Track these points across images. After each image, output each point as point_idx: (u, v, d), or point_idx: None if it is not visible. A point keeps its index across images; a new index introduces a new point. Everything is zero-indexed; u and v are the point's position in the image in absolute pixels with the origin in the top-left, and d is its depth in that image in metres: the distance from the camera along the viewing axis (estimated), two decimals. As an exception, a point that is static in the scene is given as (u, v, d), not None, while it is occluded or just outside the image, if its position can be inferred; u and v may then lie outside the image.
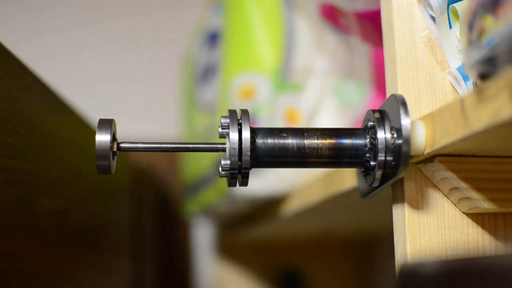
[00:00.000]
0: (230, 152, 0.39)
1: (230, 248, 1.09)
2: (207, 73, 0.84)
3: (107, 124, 0.39)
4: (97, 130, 0.39)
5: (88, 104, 0.89)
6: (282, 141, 0.40)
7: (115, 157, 0.40)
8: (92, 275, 0.68)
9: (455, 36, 0.40)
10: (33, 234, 0.52)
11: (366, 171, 0.41)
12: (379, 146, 0.39)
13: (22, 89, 0.51)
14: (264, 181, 0.71)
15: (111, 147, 0.39)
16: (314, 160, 0.40)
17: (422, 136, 0.37)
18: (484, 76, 0.32)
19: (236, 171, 0.39)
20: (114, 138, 0.39)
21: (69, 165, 0.61)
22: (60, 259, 0.58)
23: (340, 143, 0.40)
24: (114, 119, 0.40)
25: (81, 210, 0.64)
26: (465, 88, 0.40)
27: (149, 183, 1.02)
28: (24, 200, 0.50)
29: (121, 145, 0.40)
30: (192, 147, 0.42)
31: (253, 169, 0.41)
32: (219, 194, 0.78)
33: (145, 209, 0.95)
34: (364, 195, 0.43)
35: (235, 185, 0.40)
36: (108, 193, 0.77)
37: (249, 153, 0.39)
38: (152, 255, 0.97)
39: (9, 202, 0.47)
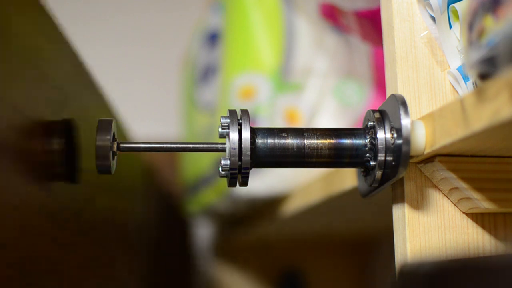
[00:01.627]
0: (230, 152, 0.39)
1: (230, 248, 1.09)
2: (207, 73, 0.84)
3: (107, 124, 0.39)
4: (97, 130, 0.39)
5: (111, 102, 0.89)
6: (282, 141, 0.40)
7: (115, 157, 0.40)
8: (123, 273, 0.68)
9: (455, 36, 0.40)
10: (93, 233, 0.52)
11: (366, 171, 0.41)
12: (379, 146, 0.39)
13: (84, 87, 0.51)
14: (264, 181, 0.71)
15: (111, 147, 0.39)
16: (314, 160, 0.40)
17: (422, 136, 0.37)
18: (484, 76, 0.32)
19: (236, 171, 0.39)
20: (114, 138, 0.39)
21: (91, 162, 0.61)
22: (108, 258, 0.58)
23: (340, 143, 0.40)
24: (114, 119, 0.40)
25: (121, 210, 0.65)
26: (465, 88, 0.40)
27: (153, 182, 1.02)
28: (89, 199, 0.50)
29: (121, 145, 0.40)
30: (192, 147, 0.42)
31: (253, 169, 0.41)
32: (219, 194, 0.78)
33: (149, 209, 0.95)
34: (364, 195, 0.43)
35: (235, 185, 0.41)
36: (132, 193, 0.78)
37: (249, 153, 0.39)
38: (153, 254, 0.97)
39: (81, 201, 0.47)
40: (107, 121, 0.39)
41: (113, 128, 0.39)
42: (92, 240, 0.54)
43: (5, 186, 0.31)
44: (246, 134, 0.39)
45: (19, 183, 0.34)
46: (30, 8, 0.38)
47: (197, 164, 0.86)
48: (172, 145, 0.41)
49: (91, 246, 0.52)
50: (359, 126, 0.42)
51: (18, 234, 0.33)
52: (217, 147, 0.41)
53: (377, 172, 0.39)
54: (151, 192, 0.96)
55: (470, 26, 0.32)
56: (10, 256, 0.31)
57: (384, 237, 1.03)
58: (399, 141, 0.37)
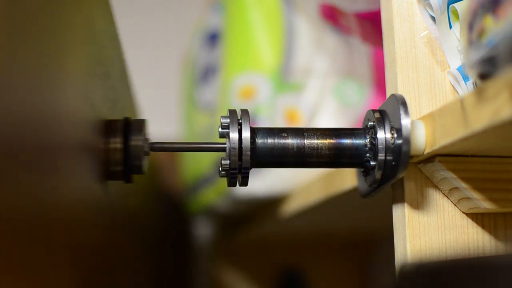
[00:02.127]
0: (230, 152, 0.39)
1: (230, 248, 1.09)
2: (207, 73, 0.84)
3: (140, 124, 0.39)
4: (130, 130, 0.39)
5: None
6: (282, 141, 0.40)
7: (147, 157, 0.40)
8: (136, 274, 0.68)
9: (455, 36, 0.40)
10: (128, 233, 0.52)
11: (366, 171, 0.41)
12: (379, 146, 0.39)
13: (126, 87, 0.51)
14: (264, 181, 0.71)
15: (143, 147, 0.39)
16: (314, 160, 0.40)
17: (422, 136, 0.37)
18: (484, 76, 0.32)
19: (236, 171, 0.39)
20: (146, 138, 0.40)
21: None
22: (134, 258, 0.58)
23: (340, 143, 0.40)
24: (146, 119, 0.40)
25: (141, 210, 0.65)
26: (465, 88, 0.40)
27: (153, 182, 1.02)
28: (125, 199, 0.50)
29: (154, 145, 0.40)
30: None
31: (253, 169, 0.41)
32: (219, 194, 0.78)
33: (150, 208, 0.95)
34: (364, 195, 0.43)
35: (235, 185, 0.41)
36: (140, 193, 0.78)
37: (249, 153, 0.39)
38: (152, 254, 0.97)
39: (124, 200, 0.47)
40: (140, 121, 0.40)
41: (146, 128, 0.40)
42: (129, 241, 0.54)
43: (80, 182, 0.32)
44: (246, 134, 0.39)
45: (90, 180, 0.34)
46: (102, 5, 0.38)
47: (197, 164, 0.86)
48: (196, 145, 0.41)
49: (129, 248, 0.53)
50: (359, 126, 0.42)
51: (84, 230, 0.34)
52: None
53: (377, 172, 0.39)
54: (151, 192, 0.96)
55: (470, 26, 0.32)
56: (67, 248, 0.31)
57: (384, 237, 1.03)
58: (399, 141, 0.37)
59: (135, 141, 0.39)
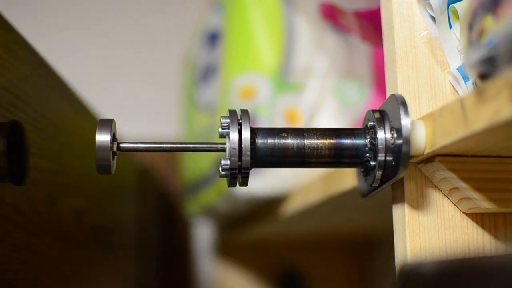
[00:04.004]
0: (230, 152, 0.39)
1: (230, 248, 1.09)
2: (207, 73, 0.84)
3: (107, 124, 0.39)
4: (97, 130, 0.39)
5: (88, 104, 0.89)
6: (282, 141, 0.40)
7: (115, 157, 0.40)
8: (104, 274, 0.68)
9: (455, 36, 0.40)
10: (57, 234, 0.52)
11: (366, 171, 0.41)
12: (379, 146, 0.39)
13: (48, 88, 0.51)
14: (264, 181, 0.71)
15: (111, 147, 0.39)
16: (314, 160, 0.40)
17: (422, 136, 0.37)
18: (484, 76, 0.32)
19: (236, 171, 0.39)
20: (114, 138, 0.39)
21: (86, 165, 0.61)
22: (79, 259, 0.58)
23: (340, 143, 0.40)
24: (114, 119, 0.40)
25: (96, 210, 0.65)
26: (465, 88, 0.40)
27: (151, 183, 1.02)
28: (50, 200, 0.50)
29: (121, 145, 0.40)
30: (192, 147, 0.42)
31: (253, 169, 0.41)
32: (219, 194, 0.78)
33: (148, 209, 0.95)
34: (364, 195, 0.43)
35: (235, 185, 0.40)
36: (118, 193, 0.78)
37: (249, 153, 0.39)
38: (153, 254, 0.97)
39: (38, 202, 0.47)
40: (106, 121, 0.39)
41: (113, 128, 0.39)
42: (98, 243, 0.54)
43: None
44: (246, 134, 0.39)
45: None
46: None
47: (197, 164, 0.86)
48: (172, 145, 0.41)
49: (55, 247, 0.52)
50: (359, 126, 0.42)
51: None
52: (217, 147, 0.41)
53: (377, 172, 0.39)
54: (151, 192, 0.96)
55: (470, 26, 0.32)
56: None
57: (384, 237, 1.03)
58: (399, 141, 0.37)
59: (101, 141, 0.38)
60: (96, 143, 0.38)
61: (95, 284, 0.63)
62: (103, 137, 0.38)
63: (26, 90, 0.45)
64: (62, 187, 0.53)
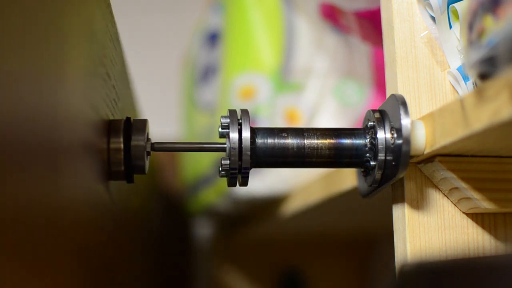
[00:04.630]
0: (230, 152, 0.39)
1: (230, 248, 1.09)
2: (207, 73, 0.84)
3: (141, 124, 0.39)
4: (132, 130, 0.39)
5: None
6: (282, 141, 0.40)
7: (149, 157, 0.40)
8: (136, 274, 0.68)
9: (455, 36, 0.40)
10: (129, 233, 0.52)
11: (366, 171, 0.41)
12: (379, 146, 0.39)
13: (126, 87, 0.51)
14: (264, 181, 0.71)
15: (145, 147, 0.39)
16: (314, 160, 0.40)
17: (422, 136, 0.37)
18: (484, 76, 0.32)
19: (236, 171, 0.39)
20: (147, 138, 0.40)
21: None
22: (132, 258, 0.59)
23: (340, 143, 0.40)
24: (148, 119, 0.40)
25: (141, 210, 0.65)
26: (465, 88, 0.40)
27: (152, 183, 1.02)
28: (128, 199, 0.50)
29: (155, 145, 0.40)
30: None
31: (253, 169, 0.41)
32: (219, 194, 0.78)
33: (147, 209, 0.95)
34: (364, 195, 0.43)
35: (235, 185, 0.41)
36: (140, 193, 0.78)
37: (249, 153, 0.39)
38: (153, 254, 0.97)
39: (125, 200, 0.47)
40: (141, 121, 0.40)
41: (147, 128, 0.40)
42: (130, 241, 0.54)
43: (83, 183, 0.32)
44: (246, 134, 0.39)
45: (93, 180, 0.34)
46: (102, 5, 0.38)
47: (197, 164, 0.86)
48: (197, 145, 0.41)
49: (131, 248, 0.53)
50: (359, 126, 0.42)
51: (88, 231, 0.34)
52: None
53: (377, 172, 0.39)
54: (151, 192, 0.96)
55: (470, 26, 0.32)
56: (71, 248, 0.31)
57: (384, 237, 1.03)
58: (399, 141, 0.37)
59: (137, 141, 0.39)
60: (132, 143, 0.38)
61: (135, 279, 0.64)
62: (138, 137, 0.39)
63: (121, 88, 0.45)
64: (131, 187, 0.53)
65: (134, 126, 0.39)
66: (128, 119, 0.40)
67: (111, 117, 0.40)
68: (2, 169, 0.21)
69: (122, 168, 0.39)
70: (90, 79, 0.34)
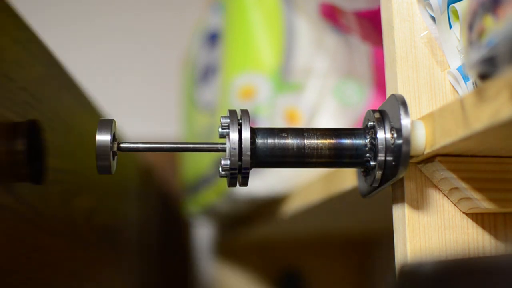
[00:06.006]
0: (230, 152, 0.39)
1: (230, 248, 1.09)
2: (207, 73, 0.84)
3: (107, 124, 0.39)
4: (97, 130, 0.39)
5: (96, 104, 0.89)
6: (282, 141, 0.40)
7: (116, 157, 0.40)
8: (111, 274, 0.68)
9: (455, 36, 0.40)
10: (71, 233, 0.52)
11: (366, 171, 0.41)
12: (379, 146, 0.39)
13: (60, 87, 0.51)
14: (264, 181, 0.71)
15: (111, 147, 0.39)
16: (314, 160, 0.40)
17: (422, 136, 0.37)
18: (484, 76, 0.32)
19: (236, 171, 0.39)
20: (114, 138, 0.39)
21: (95, 165, 0.62)
22: (90, 258, 0.58)
23: (340, 143, 0.40)
24: (114, 119, 0.40)
25: (104, 210, 0.65)
26: (465, 88, 0.40)
27: (152, 183, 1.02)
28: (64, 199, 0.50)
29: (121, 145, 0.40)
30: (192, 147, 0.42)
31: (253, 169, 0.41)
32: (219, 194, 0.78)
33: (148, 209, 0.95)
34: (364, 195, 0.43)
35: (235, 185, 0.41)
36: (123, 193, 0.78)
37: (249, 153, 0.39)
38: (153, 254, 0.97)
39: (53, 201, 0.47)
40: (107, 121, 0.39)
41: (113, 128, 0.39)
42: (106, 243, 0.54)
43: None
44: (246, 134, 0.39)
45: None
46: None
47: (197, 164, 0.86)
48: (172, 145, 0.41)
49: (75, 248, 0.52)
50: (359, 126, 0.42)
51: None
52: (217, 147, 0.41)
53: (377, 172, 0.39)
54: (151, 192, 0.96)
55: (470, 26, 0.32)
56: None
57: (384, 237, 1.03)
58: (399, 141, 0.37)
59: (101, 141, 0.38)
60: (97, 143, 0.38)
61: (104, 284, 0.63)
62: (103, 137, 0.38)
63: (41, 90, 0.45)
64: (75, 187, 0.53)
65: (99, 126, 0.39)
66: (33, 121, 0.39)
67: (20, 119, 0.39)
68: None
69: (27, 169, 0.38)
70: None
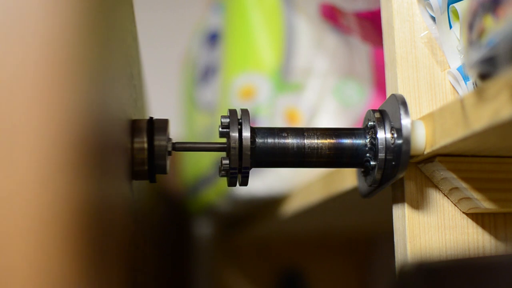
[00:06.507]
0: (230, 152, 0.39)
1: (230, 248, 1.09)
2: (207, 73, 0.84)
3: (163, 123, 0.39)
4: (154, 130, 0.39)
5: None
6: (282, 141, 0.40)
7: (170, 157, 0.40)
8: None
9: (455, 36, 0.40)
10: (147, 232, 0.52)
11: (366, 171, 0.41)
12: (379, 146, 0.39)
13: (142, 85, 0.51)
14: (264, 181, 0.71)
15: (167, 147, 0.39)
16: (314, 160, 0.40)
17: (422, 136, 0.37)
18: (484, 76, 0.32)
19: (236, 171, 0.39)
20: (169, 138, 0.40)
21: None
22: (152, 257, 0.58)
23: (340, 143, 0.40)
24: (168, 118, 0.40)
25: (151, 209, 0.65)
26: (465, 88, 0.40)
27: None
28: (145, 199, 0.50)
29: (176, 145, 0.40)
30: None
31: (253, 169, 0.41)
32: (219, 194, 0.78)
33: (148, 209, 0.95)
34: (364, 195, 0.43)
35: (235, 185, 0.41)
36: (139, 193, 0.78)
37: (249, 153, 0.39)
38: (153, 254, 0.98)
39: (140, 201, 0.47)
40: (163, 121, 0.40)
41: (169, 128, 0.40)
42: (147, 240, 0.54)
43: (112, 183, 0.32)
44: (246, 134, 0.39)
45: (120, 180, 0.34)
46: (127, 5, 0.38)
47: (197, 164, 0.86)
48: (217, 145, 0.41)
49: (147, 247, 0.52)
50: (359, 126, 0.42)
51: (105, 228, 0.34)
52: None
53: (377, 172, 0.39)
54: (151, 191, 0.96)
55: (470, 26, 0.32)
56: (93, 248, 0.31)
57: (384, 237, 1.03)
58: (399, 141, 0.37)
59: (159, 140, 0.39)
60: (155, 143, 0.39)
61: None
62: (160, 137, 0.39)
63: (139, 87, 0.45)
64: (142, 186, 0.54)
65: (156, 126, 0.39)
66: (151, 118, 0.40)
67: (134, 117, 0.40)
68: (61, 169, 0.21)
69: (146, 167, 0.39)
70: (120, 80, 0.34)
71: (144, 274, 0.50)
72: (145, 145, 0.39)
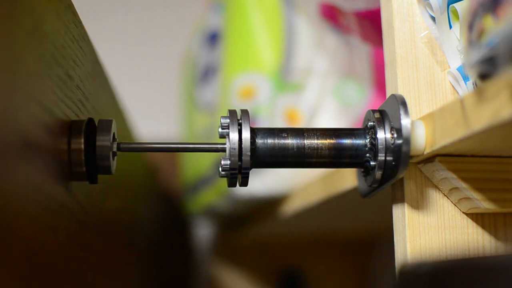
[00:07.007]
0: (230, 152, 0.39)
1: (230, 248, 1.09)
2: (207, 73, 0.84)
3: (107, 124, 0.39)
4: (97, 130, 0.39)
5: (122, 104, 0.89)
6: (282, 141, 0.40)
7: (115, 157, 0.40)
8: (129, 273, 0.68)
9: (455, 36, 0.40)
10: (106, 233, 0.52)
11: (366, 171, 0.41)
12: (379, 146, 0.39)
13: (100, 86, 0.51)
14: (264, 181, 0.71)
15: (111, 148, 0.39)
16: (314, 160, 0.40)
17: (422, 136, 0.37)
18: (484, 76, 0.32)
19: (236, 171, 0.39)
20: (114, 139, 0.39)
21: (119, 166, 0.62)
22: (121, 258, 0.58)
23: (340, 143, 0.40)
24: (114, 119, 0.40)
25: (127, 210, 0.65)
26: (465, 88, 0.40)
27: (153, 182, 1.02)
28: (101, 199, 0.50)
29: (121, 145, 0.40)
30: (192, 147, 0.42)
31: (253, 169, 0.41)
32: (219, 194, 0.78)
33: (150, 209, 0.95)
34: (364, 195, 0.43)
35: (235, 185, 0.41)
36: (136, 194, 0.78)
37: (249, 153, 0.39)
38: (153, 254, 0.98)
39: (94, 201, 0.47)
40: (107, 121, 0.39)
41: (113, 128, 0.39)
42: (105, 241, 0.54)
43: (32, 183, 0.32)
44: (246, 134, 0.39)
45: (45, 181, 0.34)
46: (59, 5, 0.38)
47: (197, 164, 0.86)
48: (172, 145, 0.41)
49: (106, 247, 0.52)
50: (359, 126, 0.42)
51: (40, 232, 0.33)
52: (217, 147, 0.41)
53: (377, 172, 0.39)
54: (151, 192, 0.96)
55: (470, 26, 0.32)
56: (30, 254, 0.31)
57: (384, 237, 1.03)
58: (399, 141, 0.37)
59: (102, 141, 0.38)
60: (97, 143, 0.38)
61: (125, 283, 0.64)
62: (103, 138, 0.39)
63: (89, 88, 0.45)
64: (107, 187, 0.53)
65: (99, 127, 0.39)
66: (90, 119, 0.39)
67: (75, 118, 0.39)
68: None
69: (84, 168, 0.38)
70: (40, 81, 0.33)
71: (100, 274, 0.50)
72: (82, 146, 0.38)
